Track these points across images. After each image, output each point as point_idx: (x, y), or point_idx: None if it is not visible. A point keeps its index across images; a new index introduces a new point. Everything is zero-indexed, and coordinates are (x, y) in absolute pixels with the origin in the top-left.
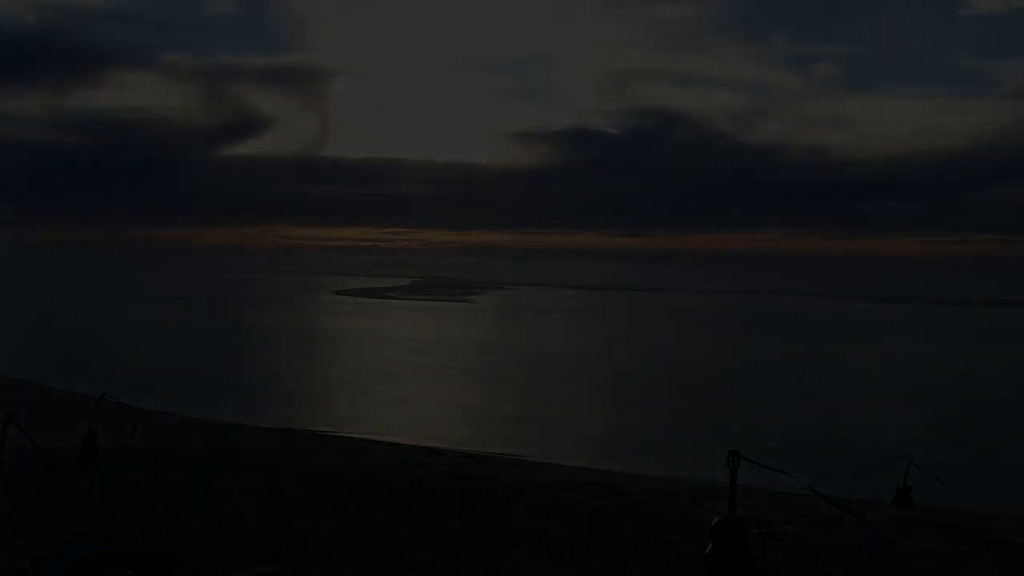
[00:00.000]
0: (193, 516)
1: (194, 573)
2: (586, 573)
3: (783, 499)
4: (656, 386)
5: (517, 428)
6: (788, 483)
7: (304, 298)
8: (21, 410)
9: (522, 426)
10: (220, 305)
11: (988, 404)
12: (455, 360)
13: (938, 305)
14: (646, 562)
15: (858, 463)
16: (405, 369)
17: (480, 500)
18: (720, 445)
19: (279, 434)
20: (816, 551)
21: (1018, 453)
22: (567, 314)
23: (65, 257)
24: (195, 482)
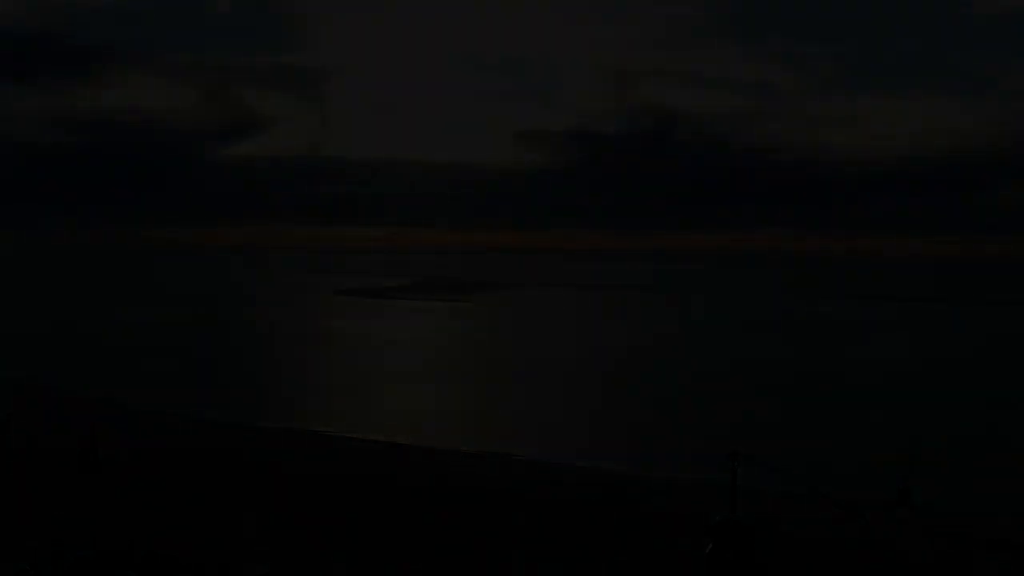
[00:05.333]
0: (193, 516)
1: (194, 573)
2: (586, 572)
3: (783, 499)
4: (656, 386)
5: (517, 428)
6: (788, 483)
7: (304, 298)
8: (21, 411)
9: (522, 426)
10: (220, 305)
11: (987, 404)
12: (455, 360)
13: (938, 305)
14: (646, 562)
15: (858, 463)
16: (405, 369)
17: (479, 499)
18: (720, 445)
19: (279, 435)
20: (816, 551)
21: (1017, 454)
22: (567, 314)
23: (64, 257)
24: (195, 482)
